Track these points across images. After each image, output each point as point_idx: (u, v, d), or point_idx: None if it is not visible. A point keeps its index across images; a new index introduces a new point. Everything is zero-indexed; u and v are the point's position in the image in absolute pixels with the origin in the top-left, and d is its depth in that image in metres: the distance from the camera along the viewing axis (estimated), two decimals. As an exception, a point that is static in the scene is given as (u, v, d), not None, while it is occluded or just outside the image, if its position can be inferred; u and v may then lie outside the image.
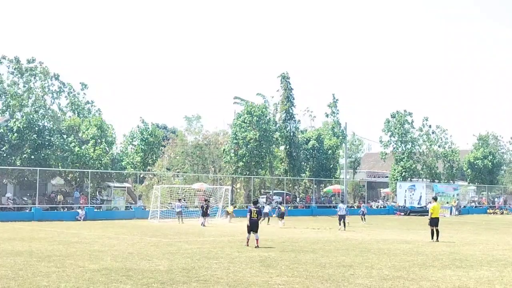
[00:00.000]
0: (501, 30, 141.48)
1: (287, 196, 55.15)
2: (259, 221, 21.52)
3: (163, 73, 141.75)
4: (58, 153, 41.78)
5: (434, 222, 24.46)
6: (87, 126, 43.90)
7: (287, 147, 55.44)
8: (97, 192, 45.00)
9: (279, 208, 38.69)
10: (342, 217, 31.84)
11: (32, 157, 40.41)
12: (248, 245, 20.65)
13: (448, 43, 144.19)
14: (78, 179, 43.64)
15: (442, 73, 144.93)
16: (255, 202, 23.51)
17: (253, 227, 21.02)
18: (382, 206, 61.17)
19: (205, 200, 37.13)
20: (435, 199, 27.42)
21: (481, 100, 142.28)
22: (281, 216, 35.61)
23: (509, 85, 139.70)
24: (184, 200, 43.96)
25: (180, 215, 36.12)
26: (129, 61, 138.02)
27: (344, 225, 31.50)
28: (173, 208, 38.04)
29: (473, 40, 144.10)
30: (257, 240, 20.76)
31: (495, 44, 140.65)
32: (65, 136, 43.25)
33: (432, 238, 24.26)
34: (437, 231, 24.27)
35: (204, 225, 33.18)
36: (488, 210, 64.30)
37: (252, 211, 21.29)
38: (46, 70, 43.64)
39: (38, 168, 39.44)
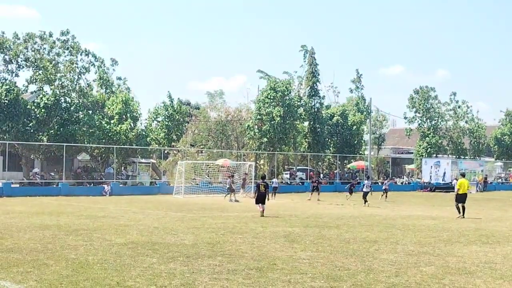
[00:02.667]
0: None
1: (311, 172, 55.08)
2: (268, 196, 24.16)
3: (187, 48, 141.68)
4: (84, 129, 42.21)
5: (461, 198, 23.82)
6: (113, 101, 44.17)
7: (311, 123, 55.18)
8: (123, 167, 45.49)
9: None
10: (366, 194, 31.56)
11: (59, 132, 40.93)
12: (263, 215, 22.69)
13: (475, 17, 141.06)
14: (103, 155, 44.13)
15: (470, 47, 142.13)
16: (263, 177, 25.61)
17: (261, 200, 23.35)
18: (406, 183, 60.75)
19: (230, 176, 36.98)
20: (463, 175, 26.65)
21: (509, 75, 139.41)
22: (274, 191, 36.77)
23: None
24: (208, 176, 44.24)
25: (232, 191, 34.69)
26: (155, 37, 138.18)
27: (365, 202, 31.17)
28: (225, 185, 36.99)
29: (500, 13, 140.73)
30: (263, 210, 23.04)
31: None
32: (90, 112, 43.63)
33: (459, 214, 23.73)
34: (463, 207, 23.71)
35: (235, 201, 33.24)
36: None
37: (261, 185, 23.85)
38: (77, 45, 43.79)
39: (65, 144, 39.96)
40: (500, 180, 67.69)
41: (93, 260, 11.82)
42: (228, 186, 34.91)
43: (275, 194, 35.89)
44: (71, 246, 13.79)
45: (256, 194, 24.08)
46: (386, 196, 37.35)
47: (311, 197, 35.83)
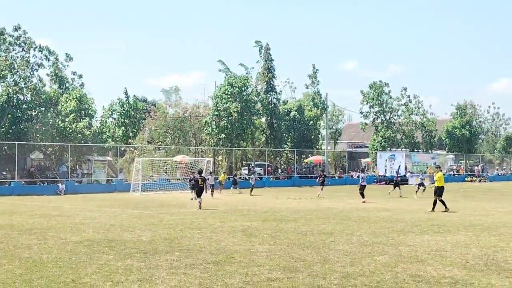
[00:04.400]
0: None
1: (269, 168, 55.40)
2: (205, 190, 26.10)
3: (143, 44, 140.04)
4: (37, 126, 41.28)
5: (439, 191, 23.24)
6: (66, 99, 43.33)
7: (268, 118, 55.47)
8: (78, 166, 44.71)
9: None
10: (363, 188, 29.85)
11: (10, 130, 39.93)
12: (201, 208, 24.06)
13: (427, 12, 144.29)
14: (58, 153, 43.25)
15: (422, 42, 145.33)
16: (200, 172, 26.96)
17: (200, 193, 25.11)
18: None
19: (211, 173, 36.80)
20: (438, 167, 25.79)
21: (460, 70, 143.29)
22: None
23: (486, 55, 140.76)
24: (166, 173, 43.96)
25: (212, 187, 34.02)
26: (111, 33, 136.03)
27: (363, 196, 29.25)
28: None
29: (452, 9, 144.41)
30: (200, 203, 24.49)
31: (473, 12, 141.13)
32: (43, 109, 42.70)
33: (433, 208, 22.97)
34: (441, 201, 23.02)
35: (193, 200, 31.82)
36: (466, 178, 65.33)
37: (199, 179, 25.60)
38: (30, 41, 42.67)
39: (17, 142, 39.01)
40: (452, 172, 69.58)
41: (48, 259, 11.65)
42: (212, 183, 34.55)
43: (213, 191, 34.11)
44: (24, 245, 13.54)
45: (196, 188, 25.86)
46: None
47: (321, 193, 33.96)
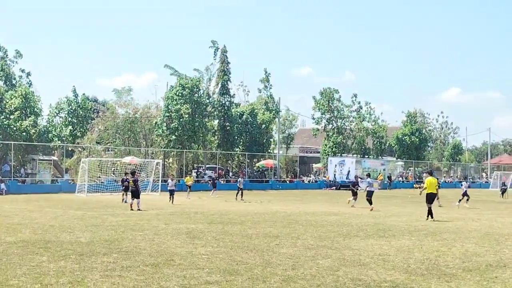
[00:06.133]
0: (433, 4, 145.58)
1: (220, 171, 55.01)
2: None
3: (97, 44, 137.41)
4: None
5: (429, 198, 22.01)
6: (11, 95, 41.87)
7: (221, 120, 55.10)
8: (21, 165, 43.24)
9: None
10: (371, 194, 27.61)
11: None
12: (132, 209, 24.02)
13: (380, 16, 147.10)
14: (0, 152, 41.72)
15: (376, 50, 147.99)
16: (133, 173, 26.74)
17: (134, 195, 24.77)
18: (313, 181, 62.17)
19: (127, 174, 32.26)
20: (430, 173, 24.24)
21: (411, 79, 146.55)
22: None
23: (437, 65, 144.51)
24: (114, 174, 43.00)
25: (172, 193, 30.62)
26: (62, 29, 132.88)
27: (370, 203, 26.95)
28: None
29: (404, 16, 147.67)
30: (138, 203, 24.38)
31: (424, 22, 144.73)
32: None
33: (428, 216, 21.76)
34: (430, 209, 21.86)
35: (125, 202, 29.04)
36: (414, 185, 66.55)
37: (130, 180, 25.87)
38: None
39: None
40: (401, 179, 70.83)
41: (-25, 260, 11.00)
42: (172, 188, 31.17)
43: (172, 197, 30.26)
44: (-48, 246, 12.80)
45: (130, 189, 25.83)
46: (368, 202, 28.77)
47: (355, 203, 29.45)
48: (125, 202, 29.04)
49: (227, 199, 34.79)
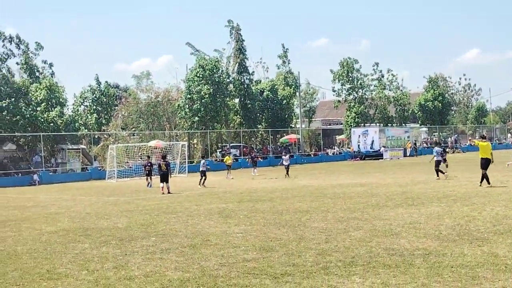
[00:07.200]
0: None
1: (244, 149, 55.41)
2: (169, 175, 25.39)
3: (113, 30, 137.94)
4: (8, 117, 40.58)
5: (483, 164, 20.71)
6: (36, 88, 42.63)
7: (242, 99, 55.32)
8: (51, 155, 44.17)
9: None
10: (438, 163, 25.99)
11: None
12: (163, 193, 24.14)
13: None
14: (30, 144, 42.64)
15: (391, 16, 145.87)
16: (164, 157, 26.19)
17: (164, 178, 24.60)
18: (338, 153, 62.22)
19: (149, 157, 33.31)
20: (483, 137, 23.32)
21: (429, 43, 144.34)
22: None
23: (455, 27, 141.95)
24: (141, 158, 43.65)
25: (203, 174, 28.81)
26: (81, 20, 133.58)
27: (438, 173, 25.46)
28: (143, 166, 35.47)
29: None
30: (168, 188, 24.53)
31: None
32: (13, 100, 41.95)
33: (482, 182, 20.66)
34: (484, 175, 20.62)
35: (150, 186, 29.16)
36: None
37: (162, 164, 25.17)
38: None
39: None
40: (425, 145, 70.38)
41: (22, 250, 11.53)
42: (204, 169, 29.15)
43: (203, 179, 28.78)
44: (-2, 238, 13.38)
45: (159, 173, 25.42)
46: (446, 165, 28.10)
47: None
48: (150, 186, 29.23)
49: (272, 176, 34.47)
